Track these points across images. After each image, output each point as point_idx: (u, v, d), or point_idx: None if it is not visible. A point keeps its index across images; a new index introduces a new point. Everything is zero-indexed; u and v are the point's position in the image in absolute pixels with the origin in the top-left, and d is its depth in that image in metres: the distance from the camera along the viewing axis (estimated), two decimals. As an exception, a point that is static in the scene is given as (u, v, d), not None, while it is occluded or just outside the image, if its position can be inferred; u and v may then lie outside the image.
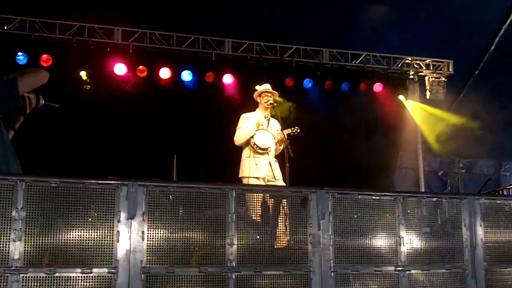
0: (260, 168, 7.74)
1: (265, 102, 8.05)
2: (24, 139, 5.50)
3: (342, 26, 11.97)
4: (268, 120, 8.12)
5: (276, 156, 8.04)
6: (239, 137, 7.92)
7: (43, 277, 4.26)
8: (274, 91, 8.20)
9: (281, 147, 7.93)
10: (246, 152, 7.91)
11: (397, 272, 5.30)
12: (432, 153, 13.58)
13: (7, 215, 4.27)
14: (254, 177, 7.70)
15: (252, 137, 7.82)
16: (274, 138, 7.92)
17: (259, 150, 7.78)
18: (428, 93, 13.05)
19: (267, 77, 10.56)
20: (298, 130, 8.20)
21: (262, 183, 7.67)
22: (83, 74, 10.81)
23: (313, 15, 11.52)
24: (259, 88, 8.27)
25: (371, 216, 5.38)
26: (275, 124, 8.11)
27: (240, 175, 7.89)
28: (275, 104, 8.03)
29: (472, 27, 11.95)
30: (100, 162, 10.14)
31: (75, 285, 4.34)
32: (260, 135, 7.86)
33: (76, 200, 4.47)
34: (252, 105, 8.36)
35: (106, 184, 4.59)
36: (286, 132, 8.03)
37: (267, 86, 8.26)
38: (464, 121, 12.32)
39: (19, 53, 10.39)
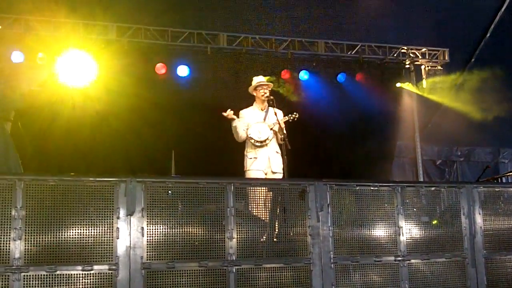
0: (259, 161, 7.73)
1: (262, 95, 8.01)
2: (23, 137, 5.50)
3: (338, 16, 11.93)
4: (266, 111, 8.08)
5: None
6: (234, 133, 7.91)
7: (44, 275, 4.28)
8: (269, 83, 8.17)
9: (282, 136, 7.85)
10: (246, 148, 7.92)
11: (397, 262, 5.33)
12: (430, 142, 13.58)
13: (6, 214, 4.28)
14: (254, 170, 7.70)
15: (248, 132, 7.81)
16: (271, 129, 7.87)
17: (257, 144, 7.76)
18: (424, 82, 13.05)
19: (263, 70, 10.57)
20: (297, 116, 8.10)
21: (263, 175, 7.66)
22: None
23: (308, 6, 11.48)
24: (254, 81, 8.23)
25: (369, 206, 5.40)
26: (273, 115, 8.03)
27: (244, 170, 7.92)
28: (271, 97, 7.97)
29: (467, 15, 11.90)
30: (98, 159, 10.11)
31: (76, 282, 4.36)
32: (256, 128, 7.83)
33: (75, 198, 4.48)
34: (250, 99, 8.32)
35: (105, 181, 4.60)
36: (284, 120, 7.97)
37: (261, 79, 8.22)
38: (461, 109, 12.30)
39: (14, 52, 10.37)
